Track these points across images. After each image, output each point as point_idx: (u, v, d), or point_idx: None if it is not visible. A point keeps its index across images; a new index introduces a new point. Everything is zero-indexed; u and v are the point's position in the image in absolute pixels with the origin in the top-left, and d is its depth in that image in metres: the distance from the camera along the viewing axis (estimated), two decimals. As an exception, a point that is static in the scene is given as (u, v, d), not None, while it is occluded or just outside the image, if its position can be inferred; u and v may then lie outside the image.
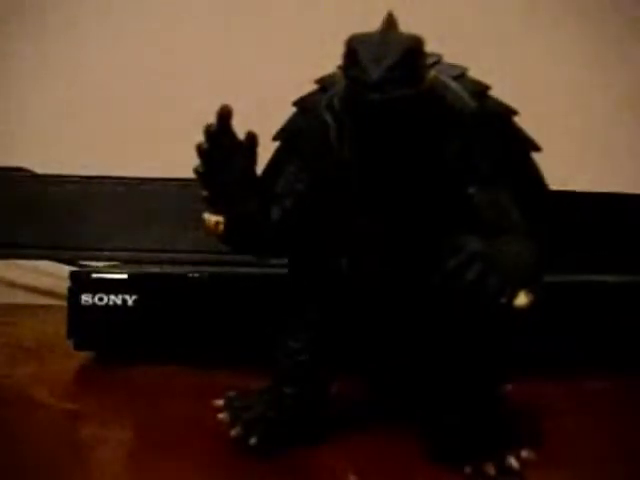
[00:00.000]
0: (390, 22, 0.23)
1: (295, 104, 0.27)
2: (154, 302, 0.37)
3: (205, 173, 0.25)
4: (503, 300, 0.22)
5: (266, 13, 0.59)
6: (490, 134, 0.25)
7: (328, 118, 0.24)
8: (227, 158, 0.24)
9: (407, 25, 0.23)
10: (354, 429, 0.28)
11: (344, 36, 0.23)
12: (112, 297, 0.37)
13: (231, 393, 0.27)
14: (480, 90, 0.25)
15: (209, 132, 0.24)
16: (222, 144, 0.24)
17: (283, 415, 0.26)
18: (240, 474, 0.24)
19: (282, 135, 0.28)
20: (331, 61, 0.26)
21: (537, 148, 0.26)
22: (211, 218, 0.25)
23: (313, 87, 0.27)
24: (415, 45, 0.22)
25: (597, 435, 0.29)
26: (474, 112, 0.24)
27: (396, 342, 0.26)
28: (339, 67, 0.24)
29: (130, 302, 0.37)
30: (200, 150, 0.24)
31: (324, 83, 0.26)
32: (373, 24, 0.23)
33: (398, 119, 0.22)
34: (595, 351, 0.36)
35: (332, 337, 0.26)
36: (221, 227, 0.25)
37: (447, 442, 0.25)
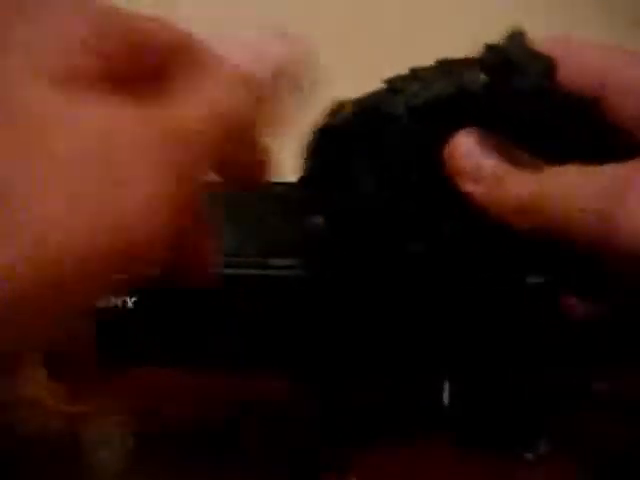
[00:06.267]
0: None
1: (354, 104, 0.26)
2: (154, 304, 0.37)
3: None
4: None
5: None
6: None
7: (406, 119, 0.24)
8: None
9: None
10: (355, 430, 0.28)
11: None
12: (112, 299, 0.36)
13: None
14: None
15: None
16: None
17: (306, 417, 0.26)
18: (240, 475, 0.24)
19: (335, 134, 0.27)
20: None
21: None
22: (313, 219, 0.25)
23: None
24: None
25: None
26: None
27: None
28: (411, 69, 0.24)
29: (130, 304, 0.37)
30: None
31: (394, 84, 0.25)
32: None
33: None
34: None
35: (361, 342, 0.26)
36: (322, 226, 0.25)
37: (491, 431, 0.26)
